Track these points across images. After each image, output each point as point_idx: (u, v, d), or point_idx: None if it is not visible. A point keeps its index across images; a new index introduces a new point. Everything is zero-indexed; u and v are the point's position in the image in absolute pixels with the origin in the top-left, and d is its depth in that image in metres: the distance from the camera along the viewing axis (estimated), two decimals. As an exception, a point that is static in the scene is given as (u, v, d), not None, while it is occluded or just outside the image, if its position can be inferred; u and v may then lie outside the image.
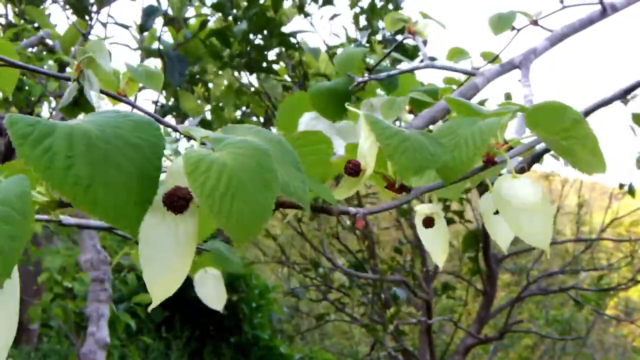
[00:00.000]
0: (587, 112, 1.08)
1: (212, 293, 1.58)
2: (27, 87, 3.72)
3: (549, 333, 7.26)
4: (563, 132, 0.90)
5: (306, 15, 4.21)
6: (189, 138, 0.94)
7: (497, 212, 1.03)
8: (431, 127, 1.51)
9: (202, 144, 0.76)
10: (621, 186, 4.70)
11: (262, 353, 6.76)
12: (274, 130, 4.73)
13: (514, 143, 0.97)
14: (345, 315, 6.19)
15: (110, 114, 0.73)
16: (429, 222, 1.10)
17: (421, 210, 1.12)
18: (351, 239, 6.23)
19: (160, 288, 0.74)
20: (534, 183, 0.90)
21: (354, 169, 0.91)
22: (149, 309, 0.79)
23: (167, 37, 4.48)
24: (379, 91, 1.68)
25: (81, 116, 0.76)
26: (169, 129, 1.17)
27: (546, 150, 1.01)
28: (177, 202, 0.71)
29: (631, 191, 4.59)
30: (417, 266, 5.59)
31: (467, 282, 5.92)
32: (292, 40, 4.08)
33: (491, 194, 1.04)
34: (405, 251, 5.91)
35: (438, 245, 1.12)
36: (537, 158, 1.00)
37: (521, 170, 0.99)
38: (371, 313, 5.61)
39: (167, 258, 0.73)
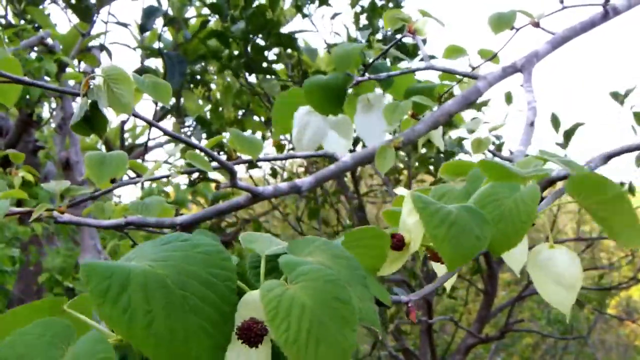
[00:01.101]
0: (610, 156, 1.08)
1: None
2: (26, 87, 3.72)
3: (551, 332, 7.25)
4: (603, 203, 0.91)
5: (304, 16, 4.20)
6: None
7: None
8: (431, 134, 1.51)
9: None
10: (621, 185, 4.69)
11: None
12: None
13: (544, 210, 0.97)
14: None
15: (176, 245, 0.74)
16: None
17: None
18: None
19: None
20: (573, 257, 0.91)
21: (398, 244, 0.93)
22: None
23: (168, 37, 4.48)
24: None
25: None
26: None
27: (561, 178, 1.01)
28: (254, 338, 0.71)
29: (631, 190, 4.58)
30: (417, 265, 5.58)
31: (468, 282, 5.91)
32: (291, 39, 4.07)
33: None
34: (406, 250, 5.89)
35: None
36: (551, 183, 1.00)
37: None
38: (372, 313, 5.59)
39: None
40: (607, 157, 1.09)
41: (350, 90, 1.59)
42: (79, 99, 1.25)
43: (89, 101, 1.22)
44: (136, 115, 1.36)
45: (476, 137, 1.56)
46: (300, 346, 0.66)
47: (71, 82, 3.79)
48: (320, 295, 0.70)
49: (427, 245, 0.97)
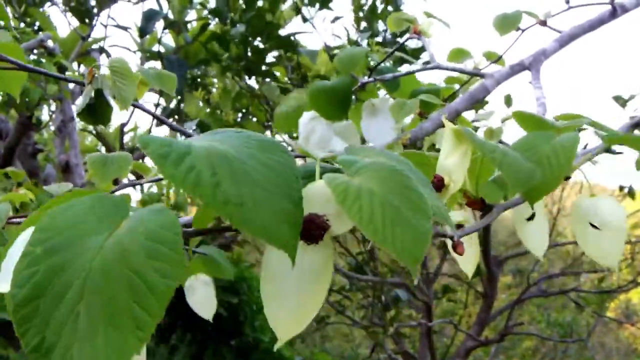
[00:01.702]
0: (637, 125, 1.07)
1: (203, 301, 1.54)
2: (26, 90, 3.71)
3: (550, 336, 7.24)
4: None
5: (305, 19, 4.20)
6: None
7: (530, 219, 1.01)
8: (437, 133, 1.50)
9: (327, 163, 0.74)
10: (621, 188, 4.69)
11: (262, 356, 6.74)
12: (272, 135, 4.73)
13: (578, 164, 0.96)
14: (345, 318, 6.17)
15: (231, 134, 0.70)
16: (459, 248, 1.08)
17: (454, 216, 1.09)
18: (351, 241, 6.23)
19: (285, 326, 0.70)
20: (617, 204, 0.89)
21: (437, 185, 0.87)
22: (275, 347, 0.74)
23: (168, 40, 4.48)
24: (380, 91, 1.67)
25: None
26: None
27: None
28: (315, 231, 0.67)
29: (631, 193, 4.58)
30: (417, 269, 5.57)
31: (467, 285, 5.91)
32: (290, 41, 4.07)
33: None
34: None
35: (469, 254, 1.09)
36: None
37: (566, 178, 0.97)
38: (371, 316, 5.60)
39: (290, 294, 0.69)
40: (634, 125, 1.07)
41: (354, 98, 1.58)
42: (77, 102, 1.25)
43: (94, 90, 1.22)
44: (139, 107, 1.36)
45: (488, 127, 1.55)
46: (377, 226, 0.62)
47: (71, 85, 3.78)
48: (387, 182, 0.66)
49: (464, 190, 0.93)
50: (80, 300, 0.58)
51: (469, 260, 1.08)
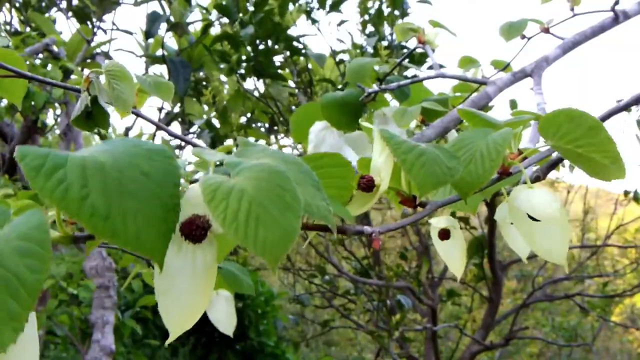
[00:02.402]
0: (602, 119, 1.06)
1: (223, 316, 1.55)
2: (31, 94, 3.72)
3: (555, 340, 7.24)
4: (579, 139, 0.88)
5: (314, 21, 4.20)
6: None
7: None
8: (447, 137, 1.50)
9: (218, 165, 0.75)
10: (626, 193, 4.70)
11: (267, 360, 6.75)
12: (281, 138, 4.73)
13: (528, 153, 0.95)
14: (350, 322, 6.18)
15: (122, 142, 0.72)
16: (444, 234, 1.09)
17: (436, 223, 1.10)
18: (356, 246, 6.23)
19: (177, 321, 0.72)
20: (552, 194, 0.88)
21: (367, 185, 0.90)
22: (166, 343, 0.77)
23: (171, 43, 4.48)
24: (392, 101, 1.67)
25: (95, 139, 0.75)
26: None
27: (562, 158, 0.99)
28: (196, 231, 0.69)
29: (636, 198, 4.59)
30: (422, 273, 5.57)
31: (472, 289, 5.90)
32: (298, 44, 4.07)
33: (507, 203, 1.03)
34: (411, 258, 5.90)
35: (455, 256, 1.10)
36: (554, 166, 0.99)
37: (536, 179, 0.97)
38: (376, 320, 5.60)
39: (184, 290, 0.72)
40: (601, 120, 1.06)
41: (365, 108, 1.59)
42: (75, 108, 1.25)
43: (90, 96, 1.22)
44: (140, 116, 1.36)
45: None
46: (239, 225, 0.64)
47: (81, 96, 3.78)
48: (262, 182, 0.68)
49: (397, 189, 0.95)
50: None
51: (456, 262, 1.10)
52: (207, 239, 0.71)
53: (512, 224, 1.01)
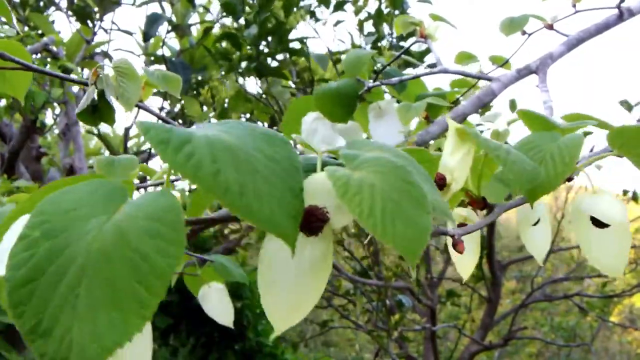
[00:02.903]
0: None
1: (218, 307, 1.54)
2: (31, 93, 3.72)
3: (554, 340, 7.24)
4: None
5: (317, 20, 4.20)
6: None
7: (535, 224, 1.01)
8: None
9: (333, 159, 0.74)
10: (625, 193, 4.70)
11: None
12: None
13: (590, 161, 0.95)
14: (349, 322, 6.17)
15: (237, 124, 0.70)
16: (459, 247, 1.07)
17: (457, 213, 1.08)
18: (356, 246, 6.22)
19: (280, 317, 0.70)
20: (620, 200, 0.88)
21: (439, 183, 0.87)
22: (271, 338, 0.75)
23: (172, 43, 4.48)
24: (387, 94, 1.66)
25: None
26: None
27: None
28: (315, 222, 0.67)
29: (635, 198, 4.59)
30: (421, 273, 5.57)
31: (471, 289, 5.91)
32: (300, 44, 4.07)
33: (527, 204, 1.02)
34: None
35: (467, 256, 1.08)
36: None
37: (568, 179, 0.96)
38: (375, 320, 5.59)
39: (289, 285, 0.69)
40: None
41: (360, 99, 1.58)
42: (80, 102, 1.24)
43: (97, 90, 1.21)
44: (144, 108, 1.35)
45: (494, 129, 1.55)
46: (376, 220, 0.62)
47: (75, 89, 3.78)
48: (389, 177, 0.66)
49: (466, 189, 0.94)
50: (80, 281, 0.58)
51: (466, 264, 1.08)
52: (322, 233, 0.68)
53: (534, 225, 1.00)
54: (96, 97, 1.21)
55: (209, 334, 6.62)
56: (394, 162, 0.69)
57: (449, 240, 1.04)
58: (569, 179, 0.91)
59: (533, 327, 7.86)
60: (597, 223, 0.88)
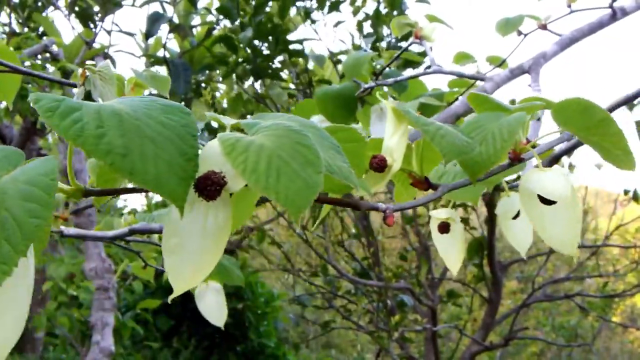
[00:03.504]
0: (610, 110, 1.06)
1: (213, 308, 1.55)
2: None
3: (556, 340, 7.23)
4: (591, 129, 0.89)
5: (313, 21, 4.20)
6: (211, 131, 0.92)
7: (515, 217, 1.01)
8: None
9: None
10: (626, 192, 4.69)
11: (268, 361, 6.75)
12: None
13: (534, 143, 0.95)
14: (350, 323, 6.17)
15: (136, 99, 0.71)
16: (444, 228, 1.08)
17: (437, 215, 1.09)
18: (356, 247, 6.22)
19: (182, 280, 0.72)
20: (564, 176, 0.88)
21: (379, 165, 0.89)
22: (169, 298, 0.77)
23: (173, 44, 4.48)
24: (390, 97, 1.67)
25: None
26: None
27: (565, 152, 0.99)
28: (211, 186, 0.68)
29: (636, 197, 4.58)
30: (422, 273, 5.57)
31: (472, 290, 5.90)
32: (298, 47, 4.07)
33: (509, 197, 1.02)
34: (411, 258, 5.90)
35: (453, 251, 1.09)
36: (556, 160, 0.99)
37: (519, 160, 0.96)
38: (376, 320, 5.59)
39: (192, 250, 0.71)
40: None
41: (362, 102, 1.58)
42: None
43: (84, 91, 1.22)
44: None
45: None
46: (259, 175, 0.64)
47: (75, 90, 3.78)
48: (281, 139, 0.68)
49: (409, 170, 0.94)
50: None
51: (453, 257, 1.09)
52: (221, 198, 0.70)
53: (514, 218, 1.01)
54: (83, 98, 1.22)
55: (210, 335, 6.62)
56: (289, 127, 0.71)
57: (435, 234, 1.05)
58: (519, 160, 0.92)
59: (534, 327, 7.86)
60: (545, 200, 0.88)
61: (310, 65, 4.34)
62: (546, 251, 5.64)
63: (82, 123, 0.63)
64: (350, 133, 0.90)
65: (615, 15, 1.59)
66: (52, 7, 4.28)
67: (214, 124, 4.49)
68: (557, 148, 0.97)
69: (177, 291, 0.72)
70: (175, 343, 6.50)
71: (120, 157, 0.62)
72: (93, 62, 3.93)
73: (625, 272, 6.38)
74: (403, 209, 0.88)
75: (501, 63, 1.69)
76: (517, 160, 0.92)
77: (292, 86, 4.42)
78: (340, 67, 4.22)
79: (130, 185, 0.82)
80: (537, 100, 0.96)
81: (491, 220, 4.83)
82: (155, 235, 1.65)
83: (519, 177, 1.48)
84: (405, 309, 5.54)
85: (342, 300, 6.16)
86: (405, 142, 0.89)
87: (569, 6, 1.67)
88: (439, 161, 0.98)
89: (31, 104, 0.65)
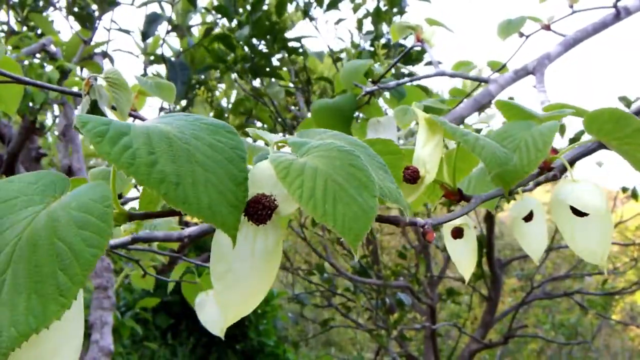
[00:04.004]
0: (636, 113, 1.05)
1: (213, 318, 1.54)
2: (29, 94, 3.70)
3: (555, 338, 7.23)
4: (624, 138, 0.88)
5: (311, 19, 4.19)
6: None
7: (527, 219, 1.00)
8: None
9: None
10: (625, 190, 4.69)
11: (267, 359, 6.75)
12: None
13: (563, 151, 0.95)
14: (349, 321, 6.17)
15: (179, 117, 0.70)
16: (458, 233, 1.07)
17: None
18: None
19: (232, 307, 0.70)
20: (599, 187, 0.87)
21: (412, 176, 0.88)
22: (221, 331, 0.75)
23: (172, 43, 4.47)
24: (385, 109, 1.66)
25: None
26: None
27: (580, 157, 0.98)
28: (262, 210, 0.66)
29: (635, 195, 4.57)
30: (421, 271, 5.57)
31: (472, 288, 5.90)
32: (296, 44, 4.06)
33: (522, 201, 1.01)
34: (410, 257, 5.89)
35: (465, 257, 1.08)
36: (571, 165, 0.98)
37: (553, 177, 0.96)
38: (376, 319, 5.59)
39: (241, 275, 0.69)
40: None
41: (361, 116, 1.58)
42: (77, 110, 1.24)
43: (90, 100, 1.21)
44: (138, 117, 1.35)
45: (490, 129, 1.55)
46: (317, 201, 0.63)
47: (74, 89, 3.77)
48: (334, 161, 0.66)
49: (441, 182, 0.93)
50: (7, 268, 0.58)
51: (466, 264, 1.07)
52: (271, 221, 0.68)
53: (526, 220, 0.99)
54: (90, 108, 1.21)
55: (209, 333, 6.60)
56: (341, 147, 0.69)
57: (448, 239, 1.03)
58: (549, 169, 0.91)
59: (534, 325, 7.86)
60: (577, 212, 0.88)
61: (309, 63, 4.33)
62: (545, 249, 5.62)
63: (132, 150, 0.61)
64: (387, 145, 0.89)
65: (619, 15, 1.58)
66: (51, 8, 4.27)
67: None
68: (570, 153, 0.97)
69: (228, 321, 0.71)
70: (174, 341, 6.50)
71: (174, 186, 0.61)
72: (92, 61, 3.92)
73: (624, 270, 6.39)
74: (441, 223, 0.86)
75: (501, 68, 1.68)
76: (547, 169, 0.91)
77: (290, 84, 4.41)
78: (339, 64, 4.21)
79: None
80: (568, 108, 0.95)
81: (490, 219, 4.83)
82: (155, 243, 1.64)
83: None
84: (404, 307, 5.53)
85: (341, 298, 6.15)
86: (439, 153, 0.88)
87: (571, 6, 1.66)
88: (468, 172, 0.97)
89: (77, 127, 0.63)
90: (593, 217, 0.87)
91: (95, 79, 1.22)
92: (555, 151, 0.92)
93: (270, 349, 6.73)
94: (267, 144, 0.77)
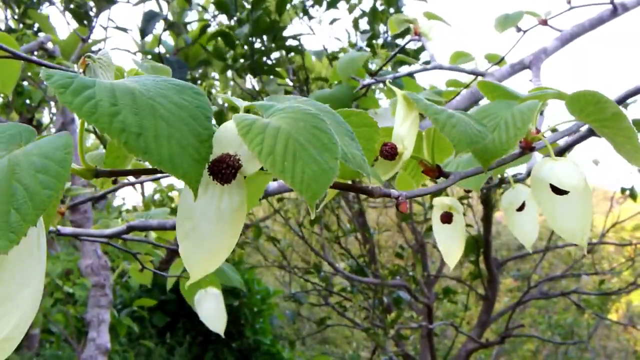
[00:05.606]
0: (618, 102, 1.05)
1: (213, 314, 1.54)
2: (27, 92, 3.71)
3: (552, 338, 7.23)
4: (603, 121, 0.89)
5: (310, 17, 4.19)
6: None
7: (520, 209, 1.01)
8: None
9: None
10: (623, 190, 4.69)
11: (263, 358, 6.75)
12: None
13: (551, 129, 0.95)
14: (346, 320, 6.17)
15: (150, 77, 0.71)
16: (447, 218, 1.07)
17: (441, 202, 1.08)
18: (352, 244, 6.22)
19: (198, 264, 0.71)
20: (577, 166, 0.87)
21: (390, 152, 0.88)
22: (187, 284, 0.76)
23: (169, 42, 4.47)
24: (383, 101, 1.66)
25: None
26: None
27: (571, 145, 0.98)
28: (226, 169, 0.67)
29: (632, 195, 4.58)
30: (418, 271, 5.57)
31: (468, 287, 5.90)
32: (294, 43, 4.06)
33: (514, 190, 1.02)
34: (406, 256, 5.89)
35: (453, 244, 1.09)
36: (561, 153, 0.98)
37: (530, 148, 0.96)
38: (372, 317, 5.59)
39: (207, 233, 0.70)
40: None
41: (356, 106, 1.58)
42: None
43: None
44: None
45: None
46: (276, 158, 0.63)
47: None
48: (298, 122, 0.67)
49: (419, 158, 0.94)
50: None
51: (453, 249, 1.08)
52: (236, 181, 0.69)
53: (518, 210, 1.00)
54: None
55: (205, 332, 6.62)
56: (306, 109, 0.70)
57: (436, 224, 1.04)
58: (530, 149, 0.91)
59: (530, 325, 7.87)
60: (557, 190, 0.88)
61: (307, 62, 4.33)
62: (542, 249, 5.64)
63: (95, 100, 0.63)
64: (362, 117, 0.89)
65: (616, 11, 1.58)
66: (47, 3, 4.27)
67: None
68: (563, 141, 0.97)
69: (194, 277, 0.72)
70: (170, 340, 6.50)
71: (135, 136, 0.62)
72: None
73: (621, 270, 6.39)
74: (416, 196, 0.87)
75: (499, 61, 1.69)
76: (528, 148, 0.91)
77: (289, 82, 4.41)
78: (335, 63, 4.21)
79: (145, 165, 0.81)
80: (548, 89, 0.96)
81: (487, 218, 4.84)
82: (153, 235, 1.63)
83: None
84: (401, 306, 5.53)
85: (337, 297, 6.15)
86: (416, 129, 0.88)
87: (569, 2, 1.67)
88: (451, 149, 0.98)
89: (43, 80, 0.64)
90: (573, 196, 0.88)
91: (91, 58, 1.23)
92: (538, 131, 0.92)
93: (267, 348, 6.73)
94: (236, 108, 0.78)
